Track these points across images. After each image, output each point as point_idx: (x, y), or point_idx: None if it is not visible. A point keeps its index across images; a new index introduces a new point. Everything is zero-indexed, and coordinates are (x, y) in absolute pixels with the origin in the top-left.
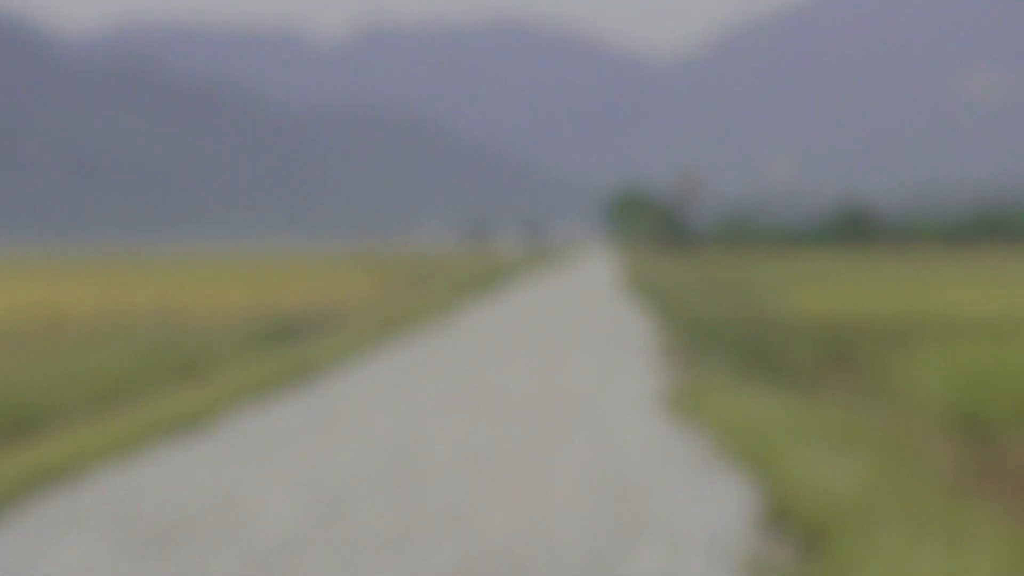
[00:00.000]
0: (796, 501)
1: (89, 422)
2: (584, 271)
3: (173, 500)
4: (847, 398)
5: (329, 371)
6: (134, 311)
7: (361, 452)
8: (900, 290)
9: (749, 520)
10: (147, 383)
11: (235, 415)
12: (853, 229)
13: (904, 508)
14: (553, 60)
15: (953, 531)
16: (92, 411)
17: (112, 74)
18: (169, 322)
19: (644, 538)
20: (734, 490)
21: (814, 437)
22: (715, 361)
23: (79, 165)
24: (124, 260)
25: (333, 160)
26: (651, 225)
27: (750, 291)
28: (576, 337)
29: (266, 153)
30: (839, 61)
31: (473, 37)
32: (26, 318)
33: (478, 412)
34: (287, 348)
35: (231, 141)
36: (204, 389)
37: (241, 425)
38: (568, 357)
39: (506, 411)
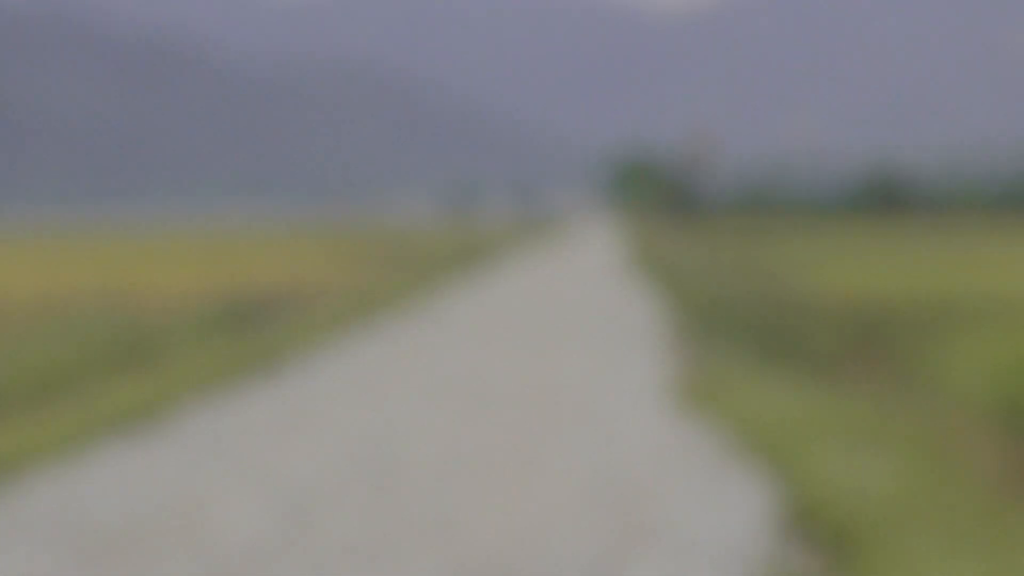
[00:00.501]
0: (821, 504)
1: (27, 418)
2: (584, 247)
3: (121, 504)
4: (877, 389)
5: (294, 361)
6: (77, 293)
7: (332, 452)
8: (937, 268)
9: (769, 526)
10: (93, 374)
11: (190, 409)
12: (884, 198)
13: (941, 512)
14: (547, 9)
15: (995, 538)
16: (31, 406)
17: (44, 24)
18: (116, 306)
19: (652, 546)
20: (752, 491)
21: (841, 432)
22: (731, 348)
23: (7, 128)
24: (64, 236)
25: (298, 122)
26: (658, 194)
27: (769, 269)
28: (576, 324)
29: (221, 113)
30: (868, 8)
31: None
32: None
33: (464, 408)
34: (248, 334)
35: (182, 99)
36: (155, 380)
37: (197, 420)
38: (569, 346)
39: (498, 406)
